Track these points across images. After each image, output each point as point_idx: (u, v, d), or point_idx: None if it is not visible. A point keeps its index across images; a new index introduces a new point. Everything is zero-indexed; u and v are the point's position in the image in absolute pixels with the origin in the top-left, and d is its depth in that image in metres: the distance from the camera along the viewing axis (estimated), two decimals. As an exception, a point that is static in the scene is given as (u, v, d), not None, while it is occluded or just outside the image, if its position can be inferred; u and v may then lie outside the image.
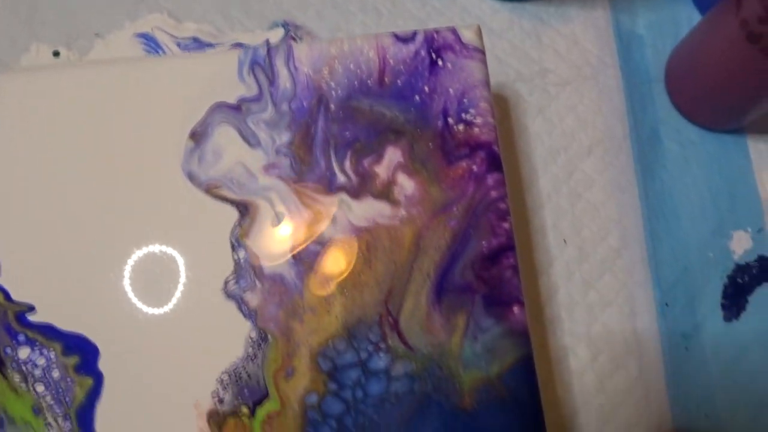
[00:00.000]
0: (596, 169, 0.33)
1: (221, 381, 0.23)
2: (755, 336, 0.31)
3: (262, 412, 0.22)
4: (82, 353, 0.23)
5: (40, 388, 0.22)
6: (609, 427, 0.29)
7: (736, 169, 0.33)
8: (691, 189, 0.32)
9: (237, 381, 0.23)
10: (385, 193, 0.24)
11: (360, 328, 0.23)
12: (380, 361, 0.23)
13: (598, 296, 0.31)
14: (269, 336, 0.23)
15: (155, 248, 0.24)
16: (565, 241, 0.32)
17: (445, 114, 0.25)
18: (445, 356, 0.23)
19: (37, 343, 0.23)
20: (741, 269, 0.32)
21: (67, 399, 0.22)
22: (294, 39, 0.34)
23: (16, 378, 0.23)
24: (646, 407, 0.30)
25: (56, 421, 0.22)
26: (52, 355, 0.23)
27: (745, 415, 0.30)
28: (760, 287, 0.31)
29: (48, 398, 0.22)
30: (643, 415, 0.30)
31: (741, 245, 0.32)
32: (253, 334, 0.23)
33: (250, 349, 0.23)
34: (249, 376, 0.23)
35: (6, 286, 0.23)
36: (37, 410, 0.22)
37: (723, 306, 0.31)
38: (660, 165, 0.33)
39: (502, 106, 0.33)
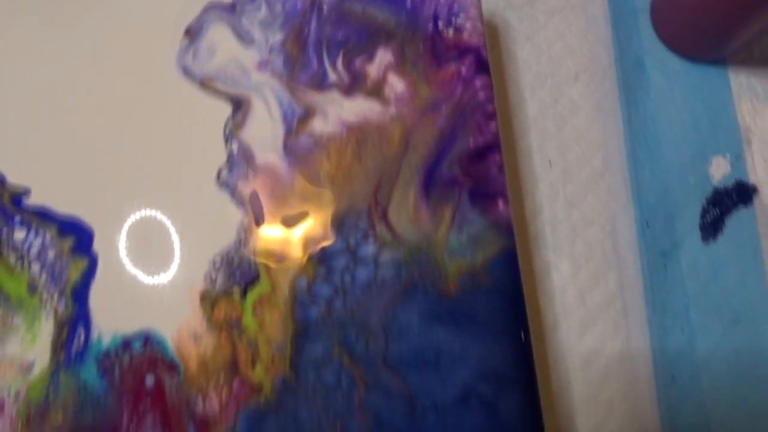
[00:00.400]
0: (582, 95, 0.34)
1: (214, 263, 0.23)
2: (730, 256, 0.32)
3: (253, 294, 0.23)
4: (77, 235, 0.23)
5: (35, 267, 0.23)
6: (588, 338, 0.30)
7: (718, 98, 0.34)
8: (673, 116, 0.33)
9: (229, 264, 0.23)
10: (376, 91, 0.25)
11: (349, 218, 0.24)
12: (368, 249, 0.23)
13: (581, 215, 0.32)
14: (261, 223, 0.24)
15: (150, 138, 0.24)
16: (550, 162, 0.33)
17: (435, 18, 0.26)
18: (431, 245, 0.24)
19: (33, 226, 0.23)
20: (719, 193, 0.33)
21: (63, 279, 0.23)
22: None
23: (12, 258, 0.23)
24: (624, 320, 0.31)
25: (51, 298, 0.23)
26: (48, 237, 0.23)
27: (718, 329, 0.31)
28: (737, 210, 0.32)
29: (43, 278, 0.23)
30: (620, 327, 0.31)
31: (720, 170, 0.33)
32: (245, 221, 0.24)
33: (242, 235, 0.23)
34: (241, 260, 0.23)
35: (2, 171, 0.24)
36: (33, 288, 0.23)
37: (701, 227, 0.32)
38: (644, 93, 0.34)
39: (491, 33, 0.34)
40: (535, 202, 0.32)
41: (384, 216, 0.24)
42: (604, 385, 0.30)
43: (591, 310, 0.31)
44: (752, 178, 0.33)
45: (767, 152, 0.33)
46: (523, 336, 0.23)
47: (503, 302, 0.23)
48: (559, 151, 0.33)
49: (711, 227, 0.33)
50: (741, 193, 0.33)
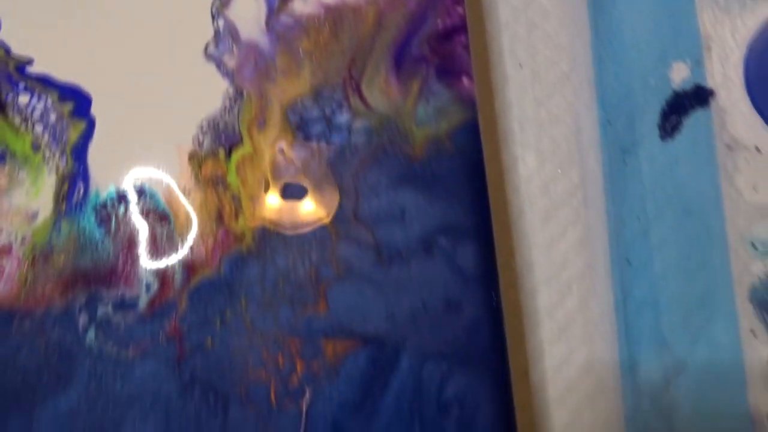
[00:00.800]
0: (552, 1, 0.36)
1: (201, 127, 0.25)
2: (686, 153, 0.34)
3: (236, 155, 0.25)
4: (77, 100, 0.25)
5: (38, 128, 0.25)
6: (550, 226, 0.33)
7: (681, 7, 0.36)
8: (637, 23, 0.35)
9: (215, 128, 0.25)
10: (352, -24, 0.27)
11: (325, 89, 0.26)
12: (342, 117, 0.26)
13: (548, 113, 0.34)
14: (244, 92, 0.26)
15: (144, 14, 0.26)
16: (520, 64, 0.35)
17: None
18: (400, 115, 0.26)
19: (36, 91, 0.25)
20: (678, 95, 0.35)
21: (63, 138, 0.25)
22: None
23: (17, 120, 0.25)
24: (584, 209, 0.33)
25: (53, 156, 0.25)
26: (49, 101, 0.25)
27: (671, 219, 0.33)
28: (694, 112, 0.35)
29: (46, 137, 0.25)
30: (581, 216, 0.33)
31: (680, 75, 0.35)
32: (230, 91, 0.26)
33: (227, 102, 0.26)
34: (226, 124, 0.25)
35: (7, 42, 0.26)
36: (36, 147, 0.25)
37: (660, 126, 0.34)
38: (610, 2, 0.35)
39: (468, -58, 0.36)
40: (505, 101, 0.34)
41: (357, 88, 0.26)
42: (565, 267, 0.32)
43: (554, 199, 0.33)
44: (710, 83, 0.35)
45: (725, 59, 0.35)
46: (480, 196, 0.25)
47: (464, 167, 0.26)
48: (528, 54, 0.35)
49: (669, 127, 0.35)
50: (699, 96, 0.35)
